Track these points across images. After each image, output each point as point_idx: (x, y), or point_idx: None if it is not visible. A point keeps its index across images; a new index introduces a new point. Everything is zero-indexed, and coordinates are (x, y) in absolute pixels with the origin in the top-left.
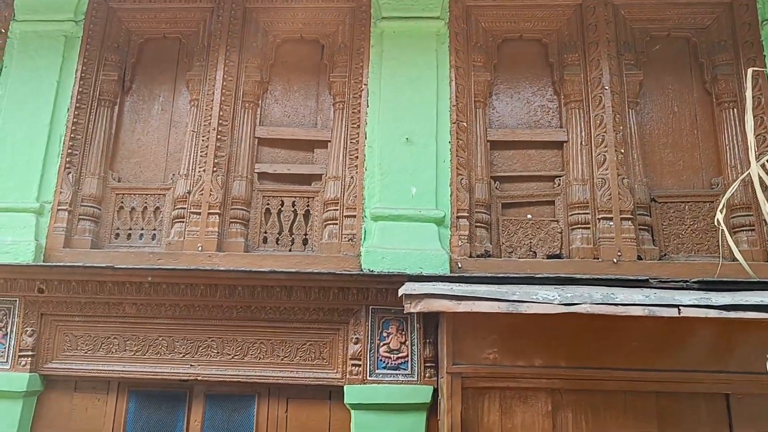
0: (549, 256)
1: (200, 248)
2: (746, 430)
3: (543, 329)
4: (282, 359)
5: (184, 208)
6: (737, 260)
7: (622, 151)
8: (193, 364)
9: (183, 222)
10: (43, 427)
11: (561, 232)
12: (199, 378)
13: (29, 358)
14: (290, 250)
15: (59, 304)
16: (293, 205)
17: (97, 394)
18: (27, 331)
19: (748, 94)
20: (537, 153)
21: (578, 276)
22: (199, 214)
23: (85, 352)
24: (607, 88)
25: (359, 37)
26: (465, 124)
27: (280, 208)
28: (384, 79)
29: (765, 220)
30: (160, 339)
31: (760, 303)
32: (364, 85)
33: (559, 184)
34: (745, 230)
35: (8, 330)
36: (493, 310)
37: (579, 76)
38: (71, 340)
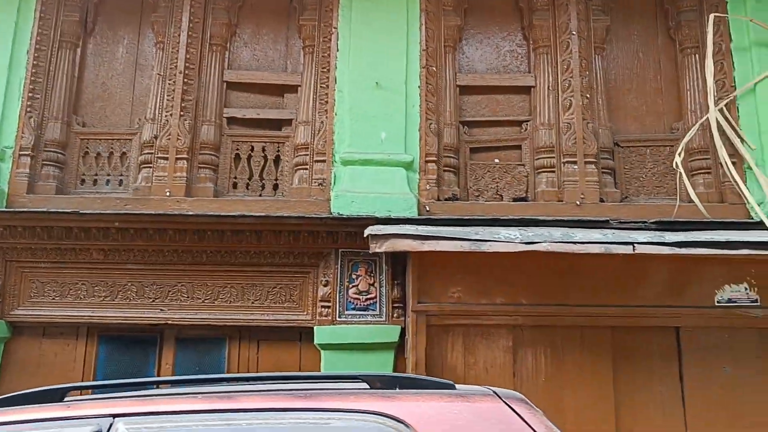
0: (515, 199)
1: (168, 193)
2: (694, 361)
3: (506, 268)
4: (252, 302)
5: (152, 153)
6: (694, 202)
7: (588, 96)
8: (163, 308)
9: (150, 167)
10: (12, 374)
11: (527, 176)
12: (169, 322)
13: None
14: (260, 195)
15: (24, 250)
16: (263, 150)
17: (66, 339)
18: None
19: (709, 39)
20: (505, 98)
21: (542, 218)
22: (167, 159)
23: (53, 298)
24: (574, 33)
25: None
26: (435, 68)
27: (250, 153)
28: (354, 23)
29: (721, 164)
30: (129, 284)
31: (710, 240)
32: (334, 28)
33: (526, 129)
34: (702, 173)
35: None
36: (456, 249)
37: (548, 21)
38: (38, 286)
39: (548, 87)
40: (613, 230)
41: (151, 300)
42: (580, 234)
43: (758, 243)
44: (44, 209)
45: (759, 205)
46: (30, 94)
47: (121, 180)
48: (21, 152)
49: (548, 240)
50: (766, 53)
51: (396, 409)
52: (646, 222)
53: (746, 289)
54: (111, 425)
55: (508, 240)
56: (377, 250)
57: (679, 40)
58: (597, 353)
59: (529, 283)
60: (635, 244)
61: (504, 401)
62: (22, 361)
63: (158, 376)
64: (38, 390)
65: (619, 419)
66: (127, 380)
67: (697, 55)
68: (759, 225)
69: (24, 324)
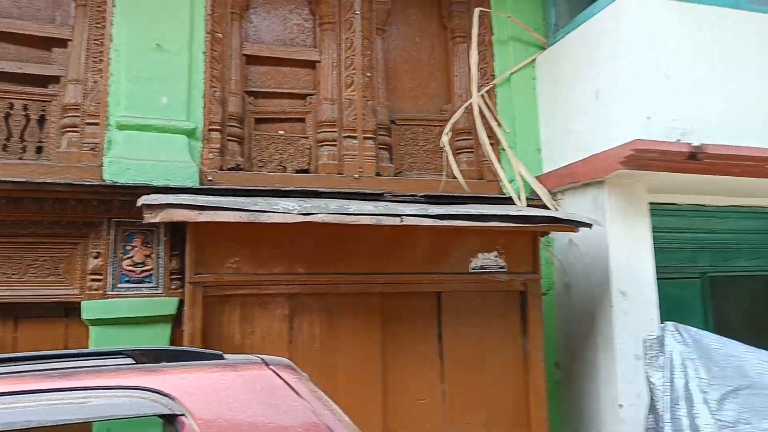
0: (297, 171)
1: None
2: (451, 322)
3: (284, 239)
4: (9, 277)
5: None
6: (457, 178)
7: (369, 74)
8: None
9: None
10: None
11: (310, 149)
12: None
13: None
14: (21, 159)
15: None
16: (25, 108)
17: None
18: None
19: (474, 31)
20: (291, 71)
21: (323, 190)
22: None
23: None
24: (358, 12)
25: None
26: (220, 35)
27: (8, 111)
28: None
29: (481, 144)
30: None
31: (466, 213)
32: None
33: (310, 103)
34: (466, 152)
35: None
36: (235, 219)
37: None
38: None
39: (332, 63)
40: (386, 203)
41: None
42: (354, 206)
43: (505, 216)
44: None
45: (510, 183)
46: None
47: None
48: None
49: (324, 212)
50: (521, 47)
51: (161, 383)
52: (415, 195)
53: (495, 256)
54: None
55: (286, 211)
56: (152, 221)
57: (450, 29)
58: (367, 318)
59: (307, 253)
60: (402, 216)
61: (271, 368)
62: None
63: None
64: None
65: (386, 376)
66: None
67: (464, 44)
68: (510, 200)
69: None
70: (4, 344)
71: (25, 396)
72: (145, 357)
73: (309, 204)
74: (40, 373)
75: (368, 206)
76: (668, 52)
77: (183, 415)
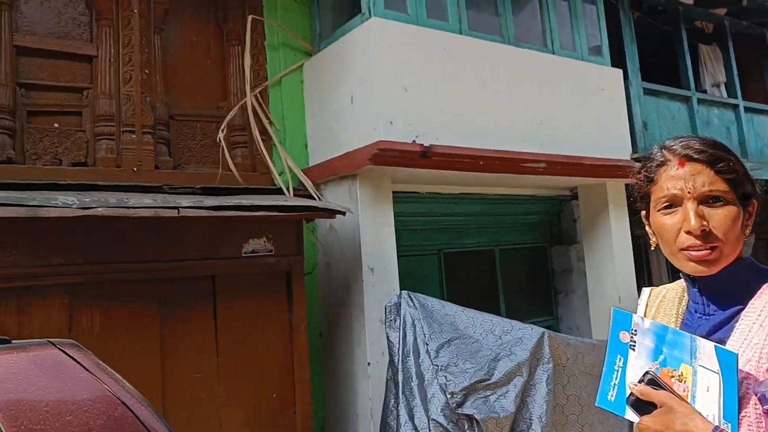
0: (74, 164)
1: None
2: (225, 302)
3: (64, 231)
4: None
5: None
6: (233, 171)
7: (147, 71)
8: None
9: None
10: None
11: (87, 142)
12: None
13: None
14: None
15: None
16: None
17: None
18: None
19: (248, 36)
20: (66, 64)
21: (101, 183)
22: None
23: None
24: (135, 11)
25: None
26: None
27: None
28: None
29: (254, 140)
30: None
31: (238, 204)
32: None
33: (87, 97)
34: (240, 147)
35: None
36: (12, 215)
37: None
38: None
39: (110, 59)
40: (165, 195)
41: None
42: (133, 199)
43: (272, 206)
44: None
45: (280, 175)
46: None
47: None
48: None
49: (104, 205)
50: (291, 53)
51: None
52: (193, 187)
53: (265, 242)
54: None
55: (65, 206)
56: None
57: (226, 32)
58: (145, 304)
59: (87, 245)
60: (180, 208)
61: (58, 348)
62: None
63: None
64: None
65: (164, 356)
66: None
67: (239, 47)
68: (281, 191)
69: None
70: None
71: None
72: None
73: (89, 198)
74: None
75: (147, 199)
76: (406, 68)
77: None
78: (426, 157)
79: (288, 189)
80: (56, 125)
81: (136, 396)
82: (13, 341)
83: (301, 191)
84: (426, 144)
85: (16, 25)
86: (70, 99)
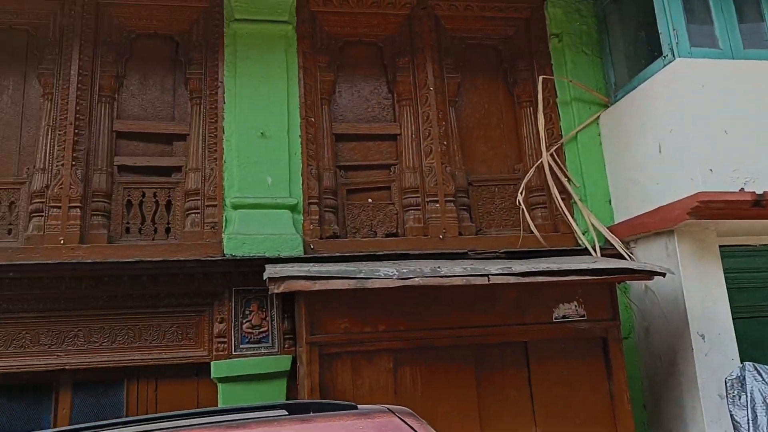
0: (387, 235)
1: (62, 241)
2: (539, 367)
3: (383, 299)
4: (150, 342)
5: (43, 202)
6: (534, 232)
7: (445, 143)
8: (59, 354)
9: (42, 216)
10: None
11: (396, 214)
12: (66, 367)
13: None
14: (153, 239)
15: None
16: (154, 195)
17: None
18: None
19: (539, 96)
20: (375, 144)
21: (411, 252)
22: (60, 207)
23: None
24: (431, 88)
25: (213, 36)
26: (313, 119)
27: (141, 199)
28: (239, 77)
29: (554, 199)
30: (24, 333)
31: (546, 269)
32: (220, 82)
33: (394, 172)
34: (540, 208)
35: None
36: (344, 287)
37: (408, 77)
38: None
39: (411, 135)
40: (472, 261)
41: (46, 347)
42: (445, 268)
43: (583, 270)
44: None
45: (583, 234)
46: None
47: (10, 229)
48: None
49: (420, 275)
50: (584, 106)
51: (312, 429)
52: (497, 252)
53: (576, 306)
54: None
55: (386, 276)
56: (276, 292)
57: (517, 95)
58: (462, 367)
59: (405, 311)
60: (489, 276)
61: (397, 416)
62: None
63: (55, 421)
64: None
65: (482, 420)
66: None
67: (531, 108)
68: (585, 251)
69: None
70: (147, 402)
71: None
72: (296, 409)
73: (405, 268)
74: (220, 424)
75: (457, 267)
76: (723, 108)
77: None
78: (761, 205)
79: (594, 249)
80: (370, 200)
81: None
82: (358, 407)
83: (608, 250)
84: (757, 191)
85: (334, 116)
86: (379, 175)
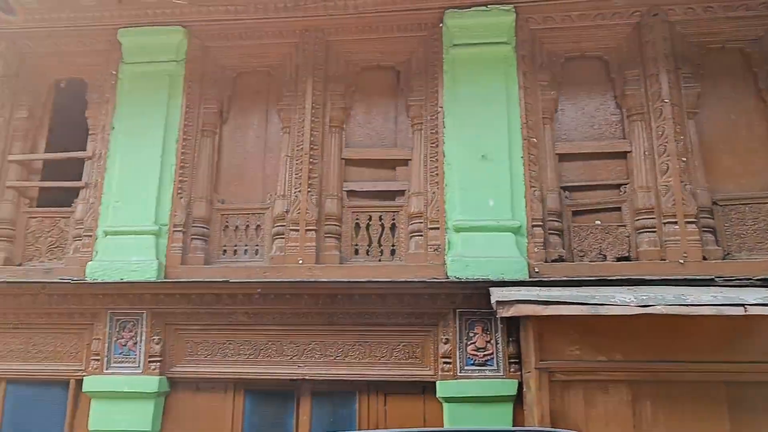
0: (618, 259)
1: (301, 261)
2: None
3: (619, 327)
4: (379, 359)
5: (284, 225)
6: None
7: (684, 159)
8: (300, 365)
9: (283, 238)
10: (172, 423)
11: (628, 236)
12: (306, 377)
13: (157, 363)
14: (380, 260)
15: (180, 314)
16: (380, 219)
17: (216, 393)
18: (154, 339)
19: None
20: (602, 163)
21: (648, 277)
22: (298, 230)
23: (205, 357)
24: (666, 101)
25: (432, 63)
26: (535, 139)
27: (368, 222)
28: (458, 101)
29: None
30: (269, 344)
31: None
32: (440, 107)
33: (624, 192)
34: None
35: (138, 339)
36: (576, 312)
37: (639, 90)
38: (192, 346)
39: (644, 152)
40: (720, 288)
41: (288, 357)
42: (691, 296)
43: None
44: (199, 279)
45: None
46: (179, 178)
47: (257, 250)
48: (174, 228)
49: (662, 303)
50: None
51: None
52: (751, 279)
53: None
54: None
55: (623, 303)
56: (504, 315)
57: None
58: (712, 407)
59: (643, 340)
60: (746, 306)
61: None
62: (181, 412)
63: (297, 425)
64: None
65: None
66: None
67: None
68: None
69: (181, 380)
70: (378, 415)
71: None
72: None
73: (644, 295)
74: None
75: (705, 295)
76: None
77: None
78: None
79: None
80: (598, 222)
81: None
82: None
83: None
84: None
85: (556, 135)
86: (608, 195)
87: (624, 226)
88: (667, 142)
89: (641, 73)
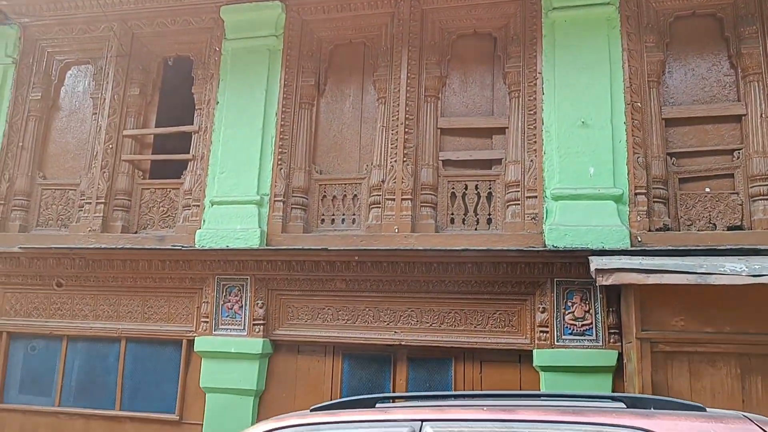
0: (729, 228)
1: (396, 230)
2: None
3: (728, 298)
4: (475, 327)
5: (380, 195)
6: None
7: None
8: (396, 331)
9: (379, 207)
10: (276, 383)
11: (741, 204)
12: (402, 343)
13: (261, 326)
14: (476, 229)
15: (282, 280)
16: (476, 188)
17: (316, 356)
18: (258, 303)
19: None
20: (713, 128)
21: (762, 247)
22: (394, 199)
23: (305, 321)
24: None
25: (531, 28)
26: (639, 104)
27: (464, 192)
28: (557, 67)
29: None
30: (367, 310)
31: None
32: (538, 73)
33: (738, 157)
34: None
35: (243, 303)
36: (682, 282)
37: (757, 48)
38: (293, 311)
39: (761, 114)
40: None
41: (385, 323)
42: None
43: None
44: (300, 246)
45: None
46: (279, 149)
47: (354, 219)
48: (275, 198)
49: None
50: None
51: (656, 426)
52: None
53: None
54: (421, 428)
55: (734, 273)
56: (604, 284)
57: None
58: None
59: (756, 313)
60: None
61: (757, 425)
62: (283, 373)
63: (393, 390)
64: (352, 399)
65: None
66: (424, 393)
67: None
68: None
69: (283, 342)
70: (473, 382)
71: (550, 425)
72: (636, 403)
73: (757, 264)
74: (558, 408)
75: None
76: None
77: None
78: None
79: None
80: (707, 189)
81: None
82: (707, 410)
83: None
84: None
85: (663, 99)
86: (719, 162)
87: (737, 193)
88: None
89: (759, 29)
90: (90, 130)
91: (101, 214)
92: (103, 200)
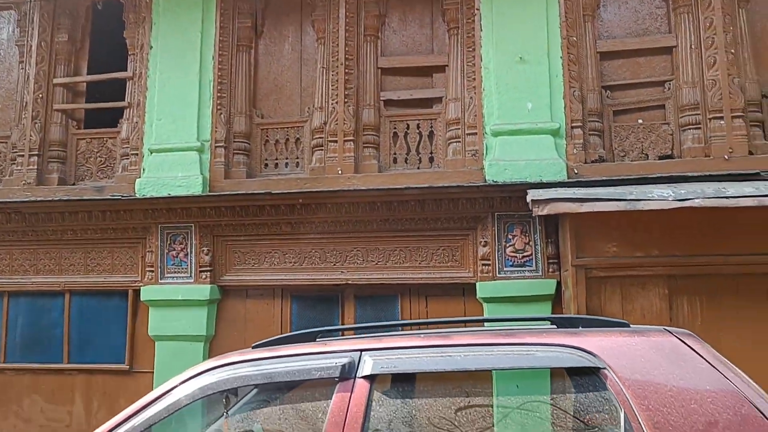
0: (661, 157)
1: (340, 171)
2: None
3: (658, 223)
4: (419, 263)
5: (322, 137)
6: None
7: (732, 51)
8: (342, 270)
9: (322, 150)
10: (225, 328)
11: (672, 134)
12: (349, 282)
13: (208, 273)
14: (419, 168)
15: (227, 226)
16: (418, 127)
17: (264, 299)
18: (204, 250)
19: None
20: (646, 60)
21: (690, 174)
22: (336, 141)
23: (252, 266)
24: None
25: None
26: (575, 38)
27: (406, 131)
28: (495, 3)
29: None
30: (313, 251)
31: None
32: (477, 9)
33: (668, 89)
34: None
35: (189, 250)
36: (612, 209)
37: None
38: (240, 256)
39: (690, 46)
40: (765, 182)
41: (332, 264)
42: (732, 189)
43: None
44: (243, 191)
45: None
46: (218, 94)
47: (297, 162)
48: (216, 144)
49: (701, 196)
50: None
51: (583, 342)
52: None
53: None
54: (360, 357)
55: (661, 198)
56: (540, 214)
57: None
58: (754, 300)
59: (682, 236)
60: None
61: (676, 336)
62: (232, 317)
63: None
64: (293, 334)
65: None
66: (366, 324)
67: None
68: None
69: (231, 287)
70: (420, 316)
71: (484, 347)
72: (565, 323)
73: (683, 190)
74: (490, 331)
75: (747, 188)
76: None
77: (604, 368)
78: None
79: None
80: (640, 121)
81: (763, 396)
82: (631, 325)
83: None
84: None
85: (598, 33)
86: (651, 93)
87: (667, 124)
88: (715, 34)
89: None
90: (18, 79)
91: (35, 167)
92: (37, 152)
